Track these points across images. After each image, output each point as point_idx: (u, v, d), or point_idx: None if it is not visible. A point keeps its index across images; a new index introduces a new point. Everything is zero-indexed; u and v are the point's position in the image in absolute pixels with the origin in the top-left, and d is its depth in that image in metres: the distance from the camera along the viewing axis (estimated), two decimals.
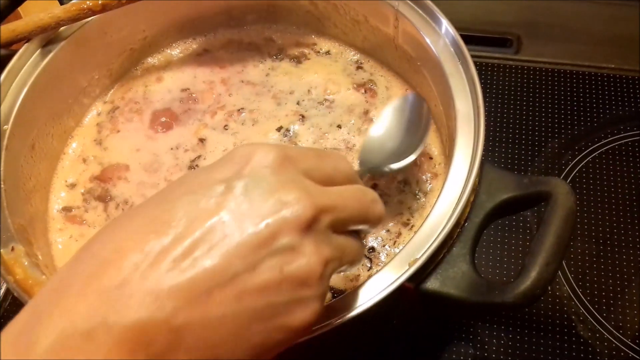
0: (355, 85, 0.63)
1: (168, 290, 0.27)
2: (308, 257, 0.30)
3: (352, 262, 0.35)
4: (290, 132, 0.60)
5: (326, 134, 0.59)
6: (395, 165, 0.49)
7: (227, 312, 0.28)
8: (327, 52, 0.66)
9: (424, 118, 0.53)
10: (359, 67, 0.65)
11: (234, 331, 0.28)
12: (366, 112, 0.61)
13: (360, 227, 0.35)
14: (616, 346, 0.58)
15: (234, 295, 0.28)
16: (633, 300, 0.61)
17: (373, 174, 0.52)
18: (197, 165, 0.58)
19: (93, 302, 0.27)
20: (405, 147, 0.50)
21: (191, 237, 0.28)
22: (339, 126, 0.60)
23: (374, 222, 0.36)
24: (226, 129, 0.61)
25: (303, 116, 0.61)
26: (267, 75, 0.65)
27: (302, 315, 0.30)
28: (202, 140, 0.60)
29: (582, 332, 0.60)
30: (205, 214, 0.29)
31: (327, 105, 0.62)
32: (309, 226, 0.30)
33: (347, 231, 0.34)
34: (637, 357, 0.58)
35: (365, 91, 0.63)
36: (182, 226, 0.29)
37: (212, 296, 0.28)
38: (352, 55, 0.66)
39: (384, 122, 0.53)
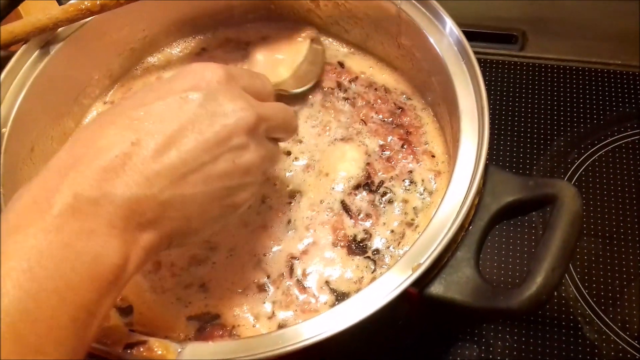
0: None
1: (155, 173, 0.35)
2: (252, 153, 0.40)
3: (275, 162, 0.50)
4: None
5: (326, 127, 0.59)
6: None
7: (198, 192, 0.37)
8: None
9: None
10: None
11: (202, 206, 0.38)
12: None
13: (282, 135, 0.47)
14: (622, 348, 0.58)
15: (202, 179, 0.37)
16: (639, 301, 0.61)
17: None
18: None
19: (96, 178, 0.33)
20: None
21: (166, 133, 0.36)
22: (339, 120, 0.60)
23: (292, 132, 0.48)
24: None
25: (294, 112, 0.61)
26: None
27: (245, 195, 0.41)
28: None
29: (588, 334, 0.59)
30: (174, 115, 0.37)
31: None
32: (253, 130, 0.40)
33: (272, 138, 0.44)
34: None
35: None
36: (157, 124, 0.36)
37: (187, 179, 0.36)
38: (351, 53, 0.65)
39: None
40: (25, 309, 0.29)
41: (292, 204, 0.55)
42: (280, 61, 0.61)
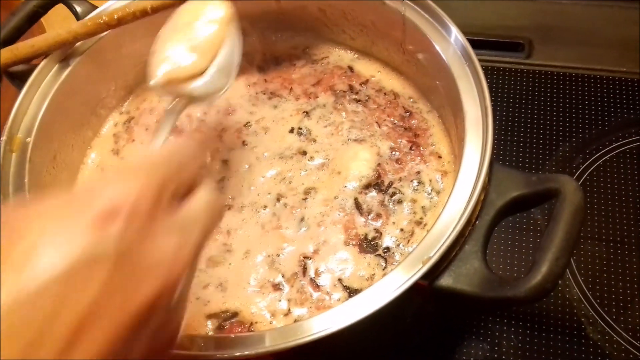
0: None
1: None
2: (175, 319, 0.31)
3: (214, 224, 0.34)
4: (303, 129, 0.62)
5: (339, 128, 0.61)
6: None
7: None
8: (326, 57, 0.68)
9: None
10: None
11: None
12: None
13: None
14: (625, 348, 0.59)
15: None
16: None
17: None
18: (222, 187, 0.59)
19: None
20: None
21: (68, 328, 0.24)
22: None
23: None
24: (245, 145, 0.62)
25: (307, 112, 0.63)
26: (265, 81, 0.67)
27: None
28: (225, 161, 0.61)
29: (591, 334, 0.61)
30: (77, 290, 0.25)
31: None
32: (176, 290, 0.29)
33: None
34: None
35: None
36: (53, 318, 0.24)
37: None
38: (357, 58, 0.68)
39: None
40: None
41: (307, 200, 0.57)
42: (194, 45, 0.47)
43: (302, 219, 0.55)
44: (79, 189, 0.29)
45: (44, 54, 0.57)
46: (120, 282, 0.26)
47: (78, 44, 0.59)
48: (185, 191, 0.32)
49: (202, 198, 0.32)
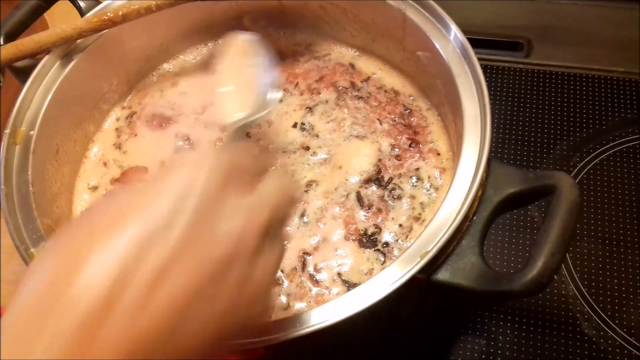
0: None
1: (139, 334, 0.27)
2: (260, 275, 0.32)
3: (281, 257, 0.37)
4: (306, 125, 0.62)
5: (341, 124, 0.62)
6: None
7: (196, 343, 0.29)
8: (327, 54, 0.69)
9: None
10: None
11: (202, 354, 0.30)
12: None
13: (289, 219, 0.38)
14: (620, 344, 0.60)
15: (200, 327, 0.29)
16: (637, 299, 0.63)
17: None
18: None
19: (71, 345, 0.26)
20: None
21: (149, 275, 0.28)
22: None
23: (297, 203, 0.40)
24: (249, 137, 0.62)
25: (310, 108, 0.63)
26: None
27: (258, 316, 0.34)
28: None
29: (586, 330, 0.61)
30: (158, 245, 0.29)
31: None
32: (256, 251, 0.32)
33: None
34: None
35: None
36: (145, 253, 0.28)
37: (176, 335, 0.28)
38: (358, 56, 0.68)
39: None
40: None
41: (309, 192, 0.57)
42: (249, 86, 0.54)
43: (303, 214, 0.56)
44: (159, 173, 0.36)
45: (48, 49, 0.57)
46: (195, 241, 0.30)
47: (80, 39, 0.59)
48: (254, 180, 0.35)
49: (270, 183, 0.35)
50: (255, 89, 0.52)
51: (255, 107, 0.51)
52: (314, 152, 0.60)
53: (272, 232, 0.34)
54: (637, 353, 0.59)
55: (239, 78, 0.54)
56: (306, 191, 0.58)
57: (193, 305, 0.29)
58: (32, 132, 0.54)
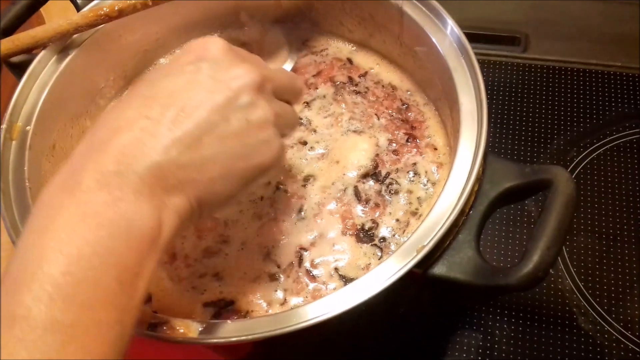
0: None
1: (171, 141, 0.37)
2: (262, 108, 0.41)
3: (293, 123, 0.48)
4: (304, 120, 0.62)
5: (339, 119, 0.62)
6: None
7: (216, 152, 0.39)
8: (325, 49, 0.69)
9: None
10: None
11: (224, 167, 0.39)
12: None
13: (289, 97, 0.48)
14: (616, 338, 0.60)
15: (217, 139, 0.39)
16: (634, 294, 0.63)
17: None
18: None
19: (118, 153, 0.35)
20: None
21: (179, 103, 0.38)
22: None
23: (298, 93, 0.50)
24: None
25: (307, 103, 0.64)
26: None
27: (267, 153, 0.42)
28: None
29: (583, 325, 0.62)
30: (184, 86, 0.39)
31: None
32: (260, 88, 0.41)
33: (283, 99, 0.46)
34: (637, 349, 0.60)
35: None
36: (169, 98, 0.38)
37: (203, 141, 0.38)
38: (355, 51, 0.68)
39: None
40: (68, 271, 0.31)
41: (307, 187, 0.58)
42: None
43: (300, 210, 0.56)
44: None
45: (44, 44, 0.57)
46: (212, 82, 0.40)
47: (76, 34, 0.59)
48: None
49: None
50: None
51: None
52: (311, 147, 0.60)
53: (275, 94, 0.44)
54: (634, 347, 0.60)
55: None
56: (304, 186, 0.58)
57: (211, 121, 0.38)
58: (28, 128, 0.54)
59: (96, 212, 0.33)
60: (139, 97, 0.39)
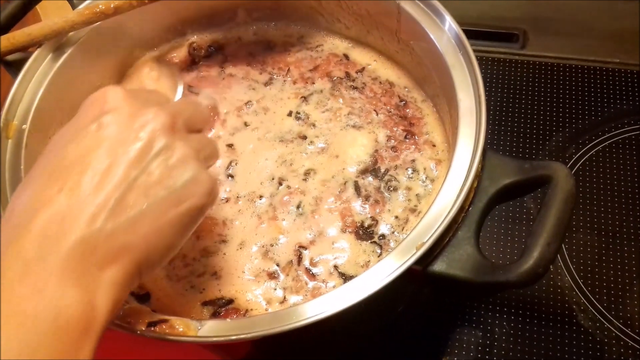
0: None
1: (93, 209, 0.35)
2: (180, 148, 0.39)
3: (214, 153, 0.45)
4: (301, 114, 0.62)
5: (337, 114, 0.62)
6: None
7: (143, 207, 0.36)
8: (320, 45, 0.69)
9: None
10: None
11: (156, 220, 0.37)
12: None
13: (201, 125, 0.45)
14: (616, 335, 0.60)
15: (142, 194, 0.36)
16: (634, 290, 0.63)
17: None
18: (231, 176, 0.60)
19: (37, 237, 0.33)
20: None
21: (92, 167, 0.36)
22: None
23: (208, 118, 0.48)
24: (247, 126, 0.62)
25: (305, 97, 0.63)
26: (263, 65, 0.68)
27: (200, 188, 0.39)
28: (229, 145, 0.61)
29: (582, 321, 0.61)
30: (92, 147, 0.37)
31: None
32: (171, 128, 0.39)
33: (198, 131, 0.44)
34: (637, 345, 0.60)
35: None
36: (81, 164, 0.36)
37: (127, 200, 0.36)
38: (352, 47, 0.68)
39: None
40: None
41: (307, 180, 0.57)
42: None
43: (299, 206, 0.56)
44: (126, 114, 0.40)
45: (40, 42, 0.57)
46: (121, 138, 0.38)
47: (72, 32, 0.59)
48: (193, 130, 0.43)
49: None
50: None
51: None
52: (311, 142, 0.60)
53: (187, 127, 0.42)
54: (633, 344, 0.60)
55: None
56: (304, 180, 0.58)
57: (130, 177, 0.36)
58: (24, 126, 0.54)
59: (18, 311, 0.31)
60: (48, 171, 0.36)
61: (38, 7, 0.60)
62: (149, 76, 0.65)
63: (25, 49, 0.56)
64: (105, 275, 0.35)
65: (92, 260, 0.34)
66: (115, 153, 0.37)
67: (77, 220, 0.34)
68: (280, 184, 0.57)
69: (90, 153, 0.36)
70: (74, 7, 0.60)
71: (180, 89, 0.64)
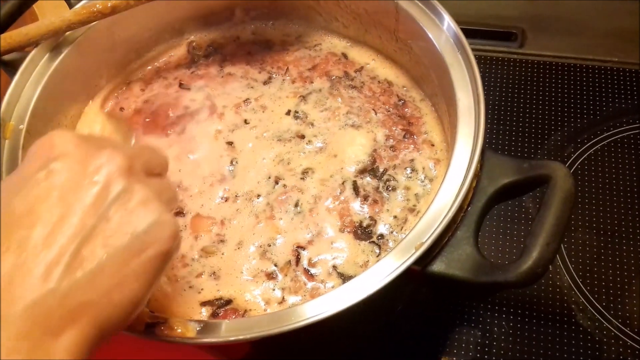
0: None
1: (45, 268, 0.31)
2: (140, 190, 0.36)
3: (174, 197, 0.42)
4: (300, 113, 0.62)
5: (335, 113, 0.62)
6: None
7: (102, 259, 0.33)
8: (318, 44, 0.69)
9: None
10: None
11: (117, 272, 0.33)
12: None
13: (159, 169, 0.42)
14: (615, 334, 0.60)
15: (100, 244, 0.33)
16: (632, 290, 0.63)
17: None
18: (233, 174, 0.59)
19: None
20: None
21: (42, 220, 0.32)
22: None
23: (167, 162, 0.43)
24: (247, 123, 0.62)
25: (303, 97, 0.63)
26: (262, 64, 0.68)
27: (164, 231, 0.36)
28: (229, 143, 0.61)
29: (581, 321, 0.61)
30: (42, 197, 0.33)
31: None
32: (129, 170, 0.36)
33: (156, 175, 0.41)
34: (635, 345, 0.60)
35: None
36: (29, 217, 0.32)
37: (83, 253, 0.32)
38: (350, 46, 0.68)
39: None
40: None
41: (305, 179, 0.57)
42: None
43: (297, 204, 0.56)
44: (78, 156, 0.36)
45: (37, 42, 0.57)
46: (74, 185, 0.34)
47: (69, 32, 0.59)
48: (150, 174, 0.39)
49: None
50: None
51: None
52: (309, 141, 0.60)
53: (145, 171, 0.39)
54: (632, 343, 0.60)
55: None
56: (302, 178, 0.57)
57: (86, 226, 0.33)
58: (21, 126, 0.54)
59: None
60: None
61: (35, 6, 0.60)
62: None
63: (22, 49, 0.56)
64: (60, 344, 0.31)
65: (45, 328, 0.30)
66: (68, 201, 0.33)
67: (26, 282, 0.30)
68: (277, 182, 0.57)
69: (40, 204, 0.33)
70: (71, 6, 0.60)
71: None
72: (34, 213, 0.32)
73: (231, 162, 0.59)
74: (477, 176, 0.46)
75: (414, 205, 0.55)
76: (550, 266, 0.41)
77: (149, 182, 0.37)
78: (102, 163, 0.35)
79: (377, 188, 0.56)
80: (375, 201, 0.56)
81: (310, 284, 0.52)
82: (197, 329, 0.41)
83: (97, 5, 0.56)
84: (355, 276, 0.51)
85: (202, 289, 0.52)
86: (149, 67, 0.69)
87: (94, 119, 0.64)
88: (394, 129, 0.60)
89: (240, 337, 0.41)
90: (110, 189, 0.34)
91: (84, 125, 0.64)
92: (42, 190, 0.33)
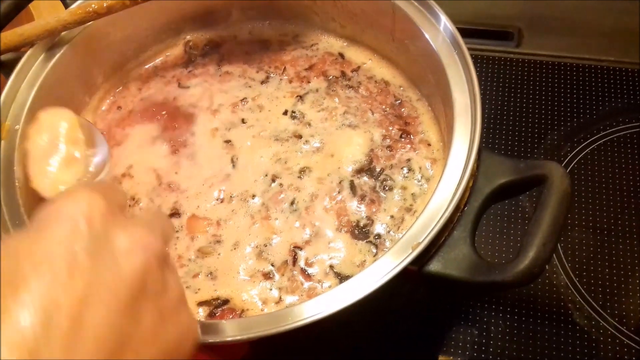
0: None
1: None
2: (173, 285, 0.31)
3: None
4: (297, 113, 0.62)
5: (332, 113, 0.62)
6: None
7: None
8: (315, 44, 0.68)
9: None
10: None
11: None
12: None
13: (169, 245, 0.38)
14: (611, 333, 0.61)
15: (132, 353, 0.28)
16: (629, 289, 0.63)
17: None
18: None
19: None
20: None
21: (68, 320, 0.26)
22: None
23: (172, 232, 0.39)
24: (244, 122, 0.62)
25: (300, 97, 0.63)
26: (260, 64, 0.68)
27: (190, 335, 0.33)
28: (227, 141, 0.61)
29: (578, 320, 0.62)
30: (67, 292, 0.27)
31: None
32: (164, 257, 0.31)
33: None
34: (632, 344, 0.60)
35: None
36: (52, 314, 0.26)
37: None
38: (347, 46, 0.68)
39: None
40: None
41: (302, 178, 0.57)
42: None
43: (293, 202, 0.56)
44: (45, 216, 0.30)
45: (32, 42, 0.56)
46: (101, 269, 0.28)
47: (65, 32, 0.58)
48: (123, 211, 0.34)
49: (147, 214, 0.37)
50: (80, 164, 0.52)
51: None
52: (306, 141, 0.60)
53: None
54: (628, 342, 0.60)
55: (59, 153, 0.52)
56: (299, 177, 0.57)
57: (118, 330, 0.27)
58: (17, 127, 0.53)
59: None
60: (7, 317, 0.25)
61: (31, 6, 0.60)
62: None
63: (18, 49, 0.56)
64: None
65: None
66: (98, 295, 0.27)
67: None
68: (274, 180, 0.57)
69: (66, 299, 0.27)
70: (66, 6, 0.60)
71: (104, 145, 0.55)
72: (48, 310, 0.26)
73: (232, 160, 0.59)
74: (474, 176, 0.46)
75: (411, 205, 0.55)
76: (546, 266, 0.41)
77: (176, 272, 0.34)
78: (136, 246, 0.30)
79: (374, 188, 0.56)
80: (372, 201, 0.56)
81: (307, 284, 0.52)
82: None
83: (93, 5, 0.55)
84: (352, 276, 0.51)
85: (199, 289, 0.52)
86: (146, 67, 0.69)
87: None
88: (390, 128, 0.60)
89: (238, 337, 0.41)
90: (147, 282, 0.30)
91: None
92: (59, 286, 0.27)
